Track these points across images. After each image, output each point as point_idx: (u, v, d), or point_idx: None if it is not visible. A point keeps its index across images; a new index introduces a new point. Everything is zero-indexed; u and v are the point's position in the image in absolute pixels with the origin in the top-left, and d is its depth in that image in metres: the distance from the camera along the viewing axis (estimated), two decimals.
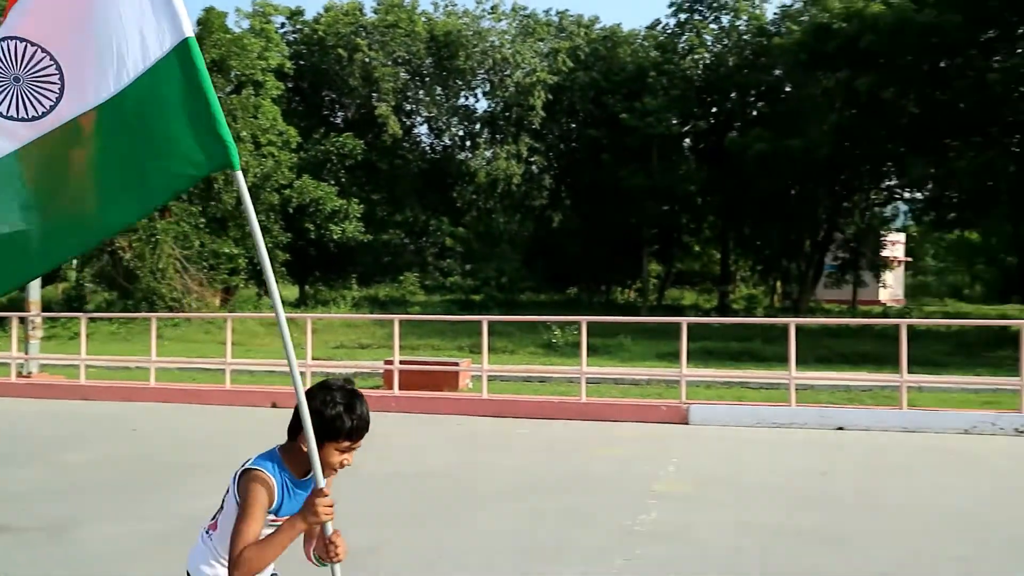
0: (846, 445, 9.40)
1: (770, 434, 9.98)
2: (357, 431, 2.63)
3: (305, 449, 2.57)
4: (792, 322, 11.24)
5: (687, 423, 10.46)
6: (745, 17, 32.65)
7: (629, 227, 33.08)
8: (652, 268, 38.26)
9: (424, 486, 7.49)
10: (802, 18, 28.92)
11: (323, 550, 2.63)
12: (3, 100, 2.77)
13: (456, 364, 13.50)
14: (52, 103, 2.78)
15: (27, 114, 2.78)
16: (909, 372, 10.78)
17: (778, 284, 37.32)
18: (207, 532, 2.74)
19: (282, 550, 2.59)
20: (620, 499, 6.92)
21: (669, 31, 34.56)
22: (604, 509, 6.61)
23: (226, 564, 2.61)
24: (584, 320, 12.08)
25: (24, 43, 2.77)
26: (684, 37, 33.48)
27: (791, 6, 30.67)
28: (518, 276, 35.84)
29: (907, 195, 30.62)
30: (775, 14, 31.98)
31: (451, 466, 8.41)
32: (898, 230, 40.55)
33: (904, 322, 10.99)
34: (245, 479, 2.59)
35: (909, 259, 49.01)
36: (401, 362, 12.44)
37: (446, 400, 11.75)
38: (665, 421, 10.59)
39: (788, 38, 28.33)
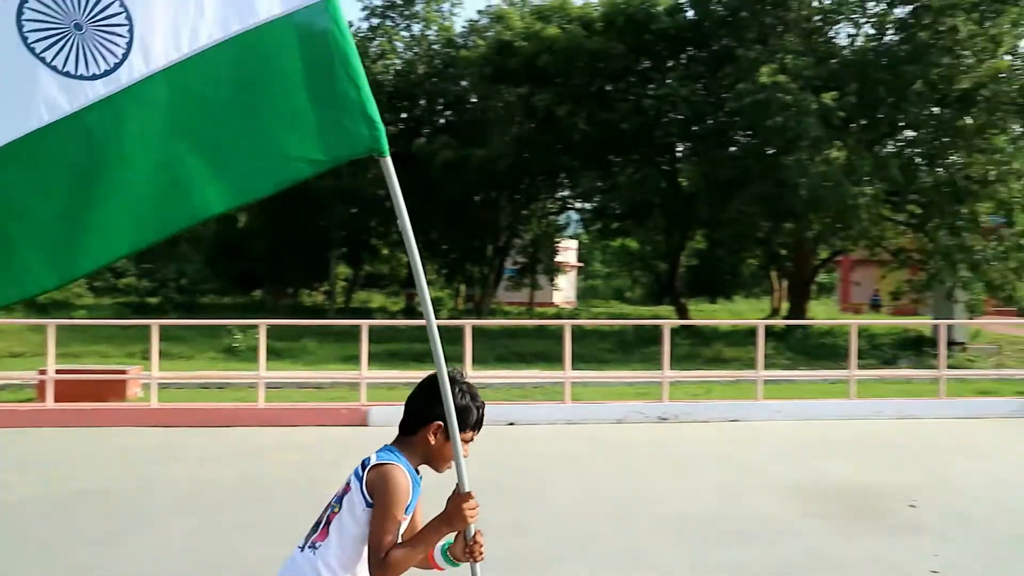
0: (517, 439, 10.00)
1: None
2: (480, 422, 2.60)
3: (434, 442, 2.54)
4: (468, 324, 11.73)
5: (367, 425, 10.55)
6: (435, 28, 33.61)
7: (317, 229, 32.69)
8: (340, 271, 38.07)
9: (79, 507, 6.87)
10: (487, 34, 30.32)
11: (462, 551, 2.53)
12: (60, 53, 2.18)
13: (124, 372, 12.52)
14: (118, 59, 2.23)
15: (88, 71, 2.21)
16: (576, 369, 11.71)
17: (462, 287, 38.77)
18: (309, 546, 2.47)
19: (424, 554, 2.50)
20: (294, 507, 6.82)
21: (361, 34, 34.67)
22: (279, 518, 6.48)
23: (336, 573, 2.44)
24: (263, 323, 11.75)
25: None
26: (376, 42, 33.76)
27: (478, 22, 32.06)
28: (200, 278, 33.91)
29: (578, 205, 33.18)
30: (463, 27, 33.28)
31: (111, 483, 7.78)
32: (571, 237, 43.89)
33: (568, 323, 11.93)
34: (379, 476, 2.44)
35: (581, 264, 53.25)
36: (58, 371, 11.31)
37: (110, 411, 10.84)
38: (346, 424, 10.59)
39: (475, 51, 29.58)
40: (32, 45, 2.18)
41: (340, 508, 2.49)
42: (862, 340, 21.89)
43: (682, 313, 27.80)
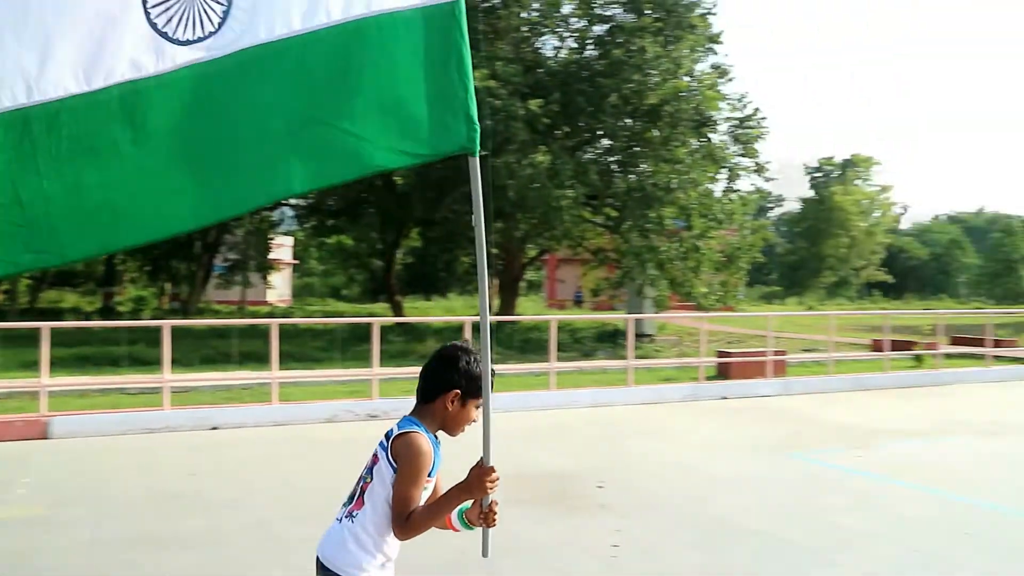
0: (219, 443, 9.54)
1: (141, 440, 9.65)
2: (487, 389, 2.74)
3: (451, 408, 2.72)
4: (167, 324, 11.02)
5: (48, 438, 9.57)
6: None
7: None
8: None
9: None
10: None
11: (477, 516, 2.74)
12: (172, 19, 2.18)
13: None
14: (213, 28, 2.22)
15: (183, 36, 2.19)
16: (288, 368, 11.37)
17: (167, 285, 36.41)
18: (348, 516, 2.69)
19: (444, 517, 2.69)
20: None
21: None
22: None
23: (375, 538, 2.66)
24: None
25: None
26: None
27: None
28: None
29: (292, 201, 32.36)
30: None
31: None
32: (285, 234, 42.71)
33: (275, 321, 11.56)
34: (403, 443, 2.62)
35: (296, 261, 52.00)
36: None
37: None
38: (23, 438, 9.53)
39: None
40: (152, 15, 2.18)
41: (372, 479, 2.70)
42: (566, 334, 23.37)
43: (397, 310, 28.03)
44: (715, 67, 23.56)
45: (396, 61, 2.42)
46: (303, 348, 19.95)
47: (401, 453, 2.65)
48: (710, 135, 22.91)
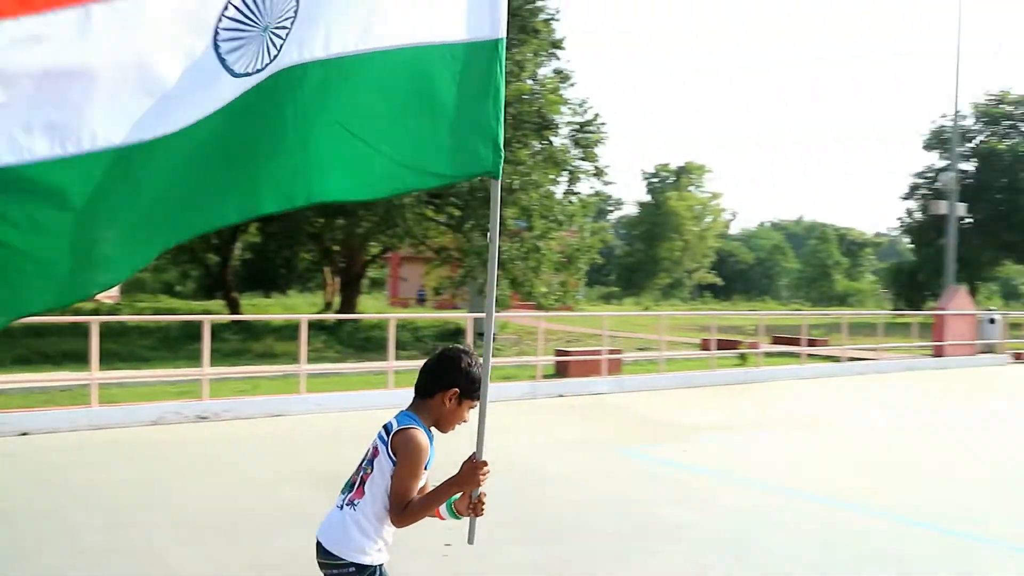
0: (30, 450, 8.91)
1: None
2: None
3: (447, 405, 2.94)
4: None
5: None
6: None
7: None
8: None
9: None
10: None
11: (466, 507, 2.99)
12: (243, 57, 2.34)
13: None
14: (277, 53, 2.38)
15: (251, 68, 2.36)
16: (114, 368, 10.74)
17: None
18: (348, 504, 2.87)
19: (437, 507, 2.91)
20: None
21: None
22: None
23: (375, 524, 2.85)
24: None
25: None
26: None
27: None
28: None
29: None
30: None
31: None
32: None
33: (96, 319, 10.91)
34: (403, 439, 2.82)
35: None
36: None
37: None
38: None
39: None
40: (221, 50, 2.33)
41: (372, 470, 2.88)
42: (408, 332, 23.28)
43: (233, 308, 27.07)
44: (557, 72, 24.09)
45: (436, 89, 2.59)
46: (130, 347, 18.96)
47: (400, 448, 2.86)
48: (552, 138, 23.40)
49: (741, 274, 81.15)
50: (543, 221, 22.09)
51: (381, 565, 2.94)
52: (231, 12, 2.36)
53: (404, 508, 2.85)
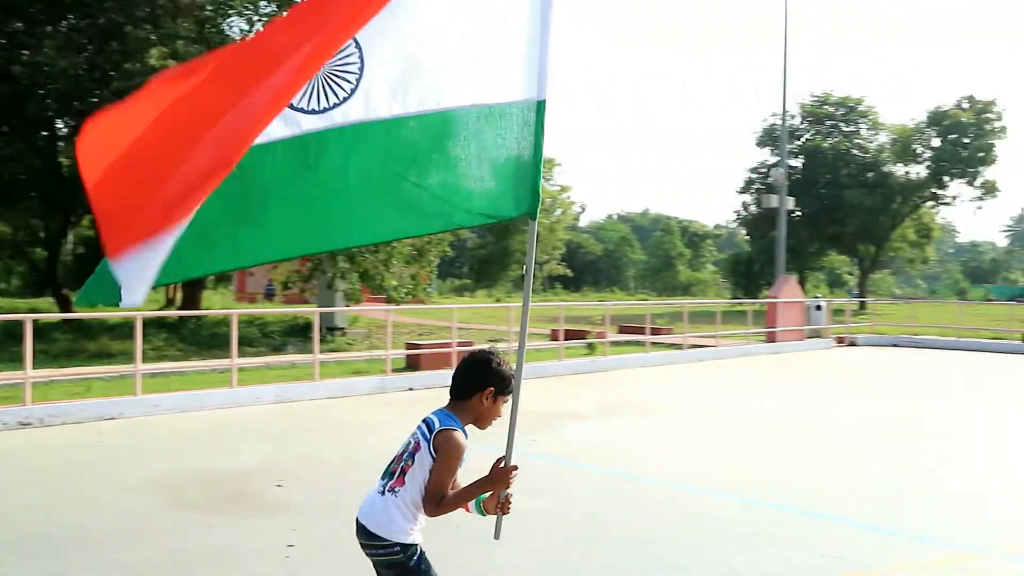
0: None
1: None
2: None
3: (484, 404, 3.25)
4: None
5: None
6: None
7: None
8: None
9: None
10: None
11: (494, 506, 3.27)
12: (303, 95, 2.77)
13: None
14: (338, 100, 2.79)
15: (309, 106, 2.78)
16: None
17: None
18: (389, 491, 3.19)
19: (466, 503, 3.23)
20: None
21: None
22: None
23: (413, 510, 3.18)
24: None
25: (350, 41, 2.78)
26: None
27: None
28: None
29: None
30: None
31: None
32: None
33: None
34: (445, 439, 3.14)
35: None
36: None
37: None
38: None
39: None
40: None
41: (413, 463, 3.18)
42: (255, 328, 22.56)
43: (64, 306, 25.41)
44: None
45: (485, 143, 3.01)
46: None
47: (442, 447, 3.15)
48: None
49: (590, 265, 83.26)
50: None
51: (419, 544, 3.26)
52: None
53: (439, 501, 3.17)
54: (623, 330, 24.85)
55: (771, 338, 23.16)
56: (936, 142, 56.30)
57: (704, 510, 6.97)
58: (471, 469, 3.25)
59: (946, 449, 9.81)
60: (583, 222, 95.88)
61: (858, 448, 9.73)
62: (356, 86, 2.86)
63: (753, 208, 56.99)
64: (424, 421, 3.28)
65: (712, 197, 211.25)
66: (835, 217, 54.57)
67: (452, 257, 47.26)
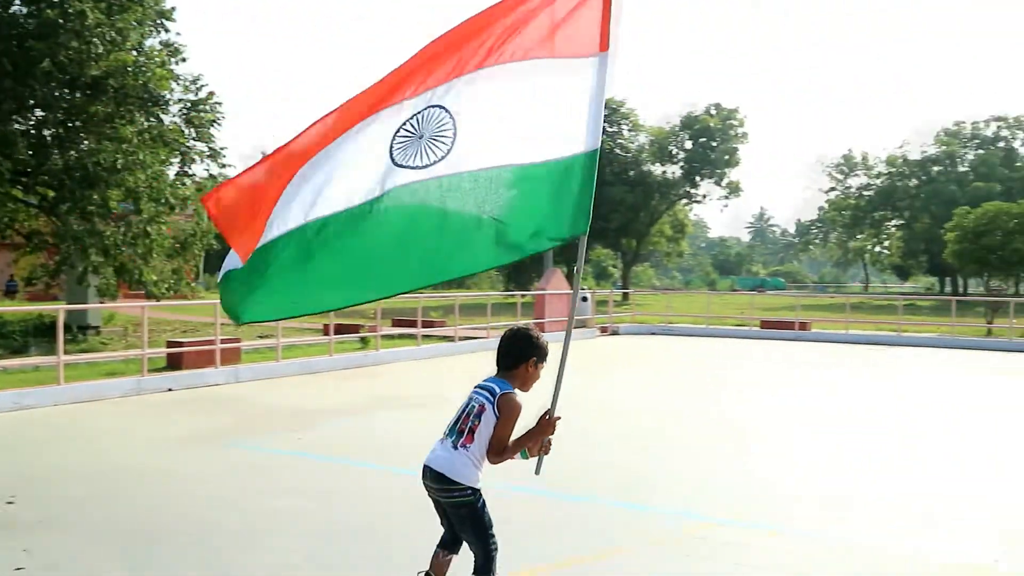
0: None
1: None
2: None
3: (529, 371, 4.15)
4: None
5: None
6: None
7: None
8: None
9: None
10: None
11: (538, 449, 4.14)
12: (407, 153, 3.80)
13: None
14: (435, 159, 3.78)
15: (412, 163, 3.77)
16: None
17: None
18: (462, 446, 4.03)
19: (519, 451, 4.10)
20: None
21: None
22: None
23: (480, 461, 4.07)
24: None
25: (442, 110, 3.81)
26: None
27: None
28: None
29: None
30: None
31: None
32: None
33: None
34: (507, 401, 4.03)
35: None
36: None
37: None
38: None
39: None
40: (393, 154, 3.80)
41: (480, 423, 4.02)
42: None
43: None
44: (166, 44, 22.50)
45: (551, 187, 3.84)
46: None
47: (504, 407, 4.01)
48: (161, 116, 21.84)
49: None
50: (152, 205, 20.55)
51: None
52: (401, 132, 3.84)
53: (502, 451, 4.05)
54: (396, 323, 24.88)
55: (539, 329, 24.03)
56: (688, 144, 60.72)
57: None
58: None
59: (687, 429, 10.65)
60: None
61: (621, 430, 10.32)
62: (450, 147, 3.82)
63: None
64: (484, 388, 4.13)
65: None
66: (600, 213, 57.52)
67: (217, 251, 45.10)
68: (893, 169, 77.30)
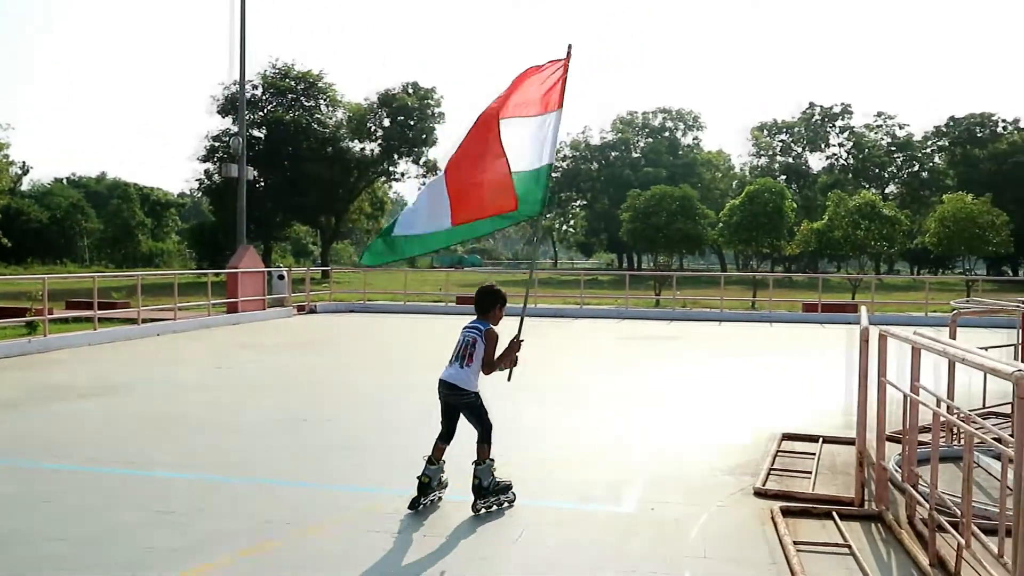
0: None
1: None
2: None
3: (498, 313, 6.37)
4: None
5: None
6: None
7: None
8: None
9: None
10: None
11: (508, 362, 6.28)
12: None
13: None
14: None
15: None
16: None
17: None
18: (466, 365, 6.14)
19: (499, 365, 6.26)
20: None
21: None
22: None
23: (478, 374, 6.20)
24: None
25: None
26: None
27: None
28: None
29: None
30: None
31: None
32: None
33: None
34: (491, 332, 6.22)
35: None
36: None
37: None
38: None
39: None
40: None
41: (475, 349, 6.14)
42: None
43: None
44: None
45: (531, 182, 6.51)
46: None
47: (489, 337, 6.19)
48: None
49: (35, 234, 74.07)
50: None
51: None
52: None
53: (491, 364, 6.18)
54: (71, 306, 22.76)
55: (232, 308, 23.13)
56: (387, 122, 61.07)
57: (152, 492, 6.76)
58: None
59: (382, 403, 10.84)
60: (25, 185, 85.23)
61: (311, 407, 10.23)
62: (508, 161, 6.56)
63: (217, 177, 56.02)
64: (472, 327, 6.27)
65: (177, 164, 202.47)
66: (298, 189, 56.23)
67: None
68: (577, 153, 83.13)
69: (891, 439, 7.34)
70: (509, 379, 6.40)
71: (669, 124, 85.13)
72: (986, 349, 7.75)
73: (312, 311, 26.62)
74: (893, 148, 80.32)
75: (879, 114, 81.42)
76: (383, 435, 8.97)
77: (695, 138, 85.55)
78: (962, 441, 4.88)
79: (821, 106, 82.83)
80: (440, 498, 6.36)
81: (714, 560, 5.34)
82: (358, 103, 61.75)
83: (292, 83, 59.37)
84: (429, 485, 6.21)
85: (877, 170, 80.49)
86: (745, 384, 12.71)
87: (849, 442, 8.10)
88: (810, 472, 7.44)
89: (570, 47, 6.66)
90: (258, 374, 13.64)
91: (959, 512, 4.69)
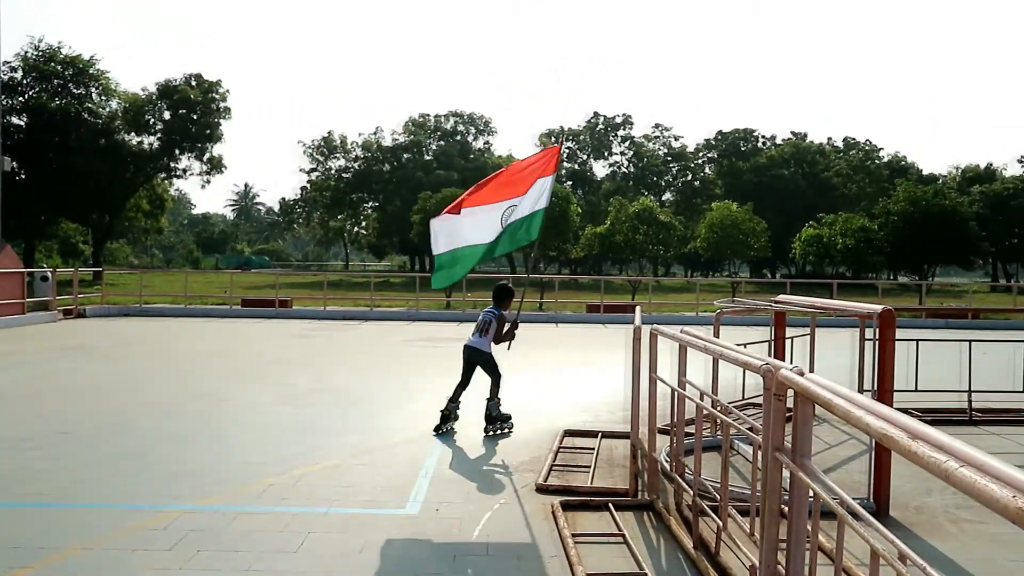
0: None
1: None
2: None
3: (508, 302, 9.47)
4: None
5: None
6: None
7: None
8: None
9: None
10: None
11: (508, 338, 9.28)
12: (509, 219, 8.57)
13: None
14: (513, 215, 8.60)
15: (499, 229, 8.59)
16: None
17: None
18: (484, 335, 9.19)
19: (503, 337, 9.33)
20: None
21: None
22: None
23: (491, 342, 9.21)
24: None
25: (512, 208, 8.56)
26: None
27: None
28: None
29: None
30: None
31: None
32: None
33: None
34: (500, 316, 9.26)
35: None
36: None
37: None
38: None
39: None
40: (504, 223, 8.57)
41: (491, 326, 9.21)
42: None
43: None
44: None
45: (530, 221, 8.69)
46: None
47: (500, 319, 9.25)
48: None
49: None
50: None
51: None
52: (509, 211, 8.60)
53: (499, 337, 9.20)
54: None
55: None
56: (167, 115, 57.77)
57: None
58: None
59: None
60: None
61: (77, 419, 9.45)
62: (516, 207, 8.60)
63: None
64: (490, 311, 9.29)
65: None
66: (67, 183, 51.99)
67: None
68: (368, 154, 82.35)
69: (663, 432, 7.80)
70: (508, 348, 9.43)
71: (461, 127, 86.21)
72: (744, 345, 8.45)
73: (81, 315, 24.69)
74: (669, 158, 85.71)
75: (657, 125, 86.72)
76: (157, 446, 8.44)
77: (486, 142, 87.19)
78: (722, 431, 5.25)
79: (605, 116, 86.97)
80: (453, 429, 9.18)
81: (496, 557, 5.43)
82: (135, 93, 57.88)
83: (58, 68, 54.66)
84: (448, 417, 9.16)
85: (655, 178, 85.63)
86: (529, 383, 13.06)
87: (626, 436, 8.51)
88: (589, 466, 7.75)
89: (562, 132, 9.71)
90: (8, 384, 12.45)
91: (719, 496, 5.03)
